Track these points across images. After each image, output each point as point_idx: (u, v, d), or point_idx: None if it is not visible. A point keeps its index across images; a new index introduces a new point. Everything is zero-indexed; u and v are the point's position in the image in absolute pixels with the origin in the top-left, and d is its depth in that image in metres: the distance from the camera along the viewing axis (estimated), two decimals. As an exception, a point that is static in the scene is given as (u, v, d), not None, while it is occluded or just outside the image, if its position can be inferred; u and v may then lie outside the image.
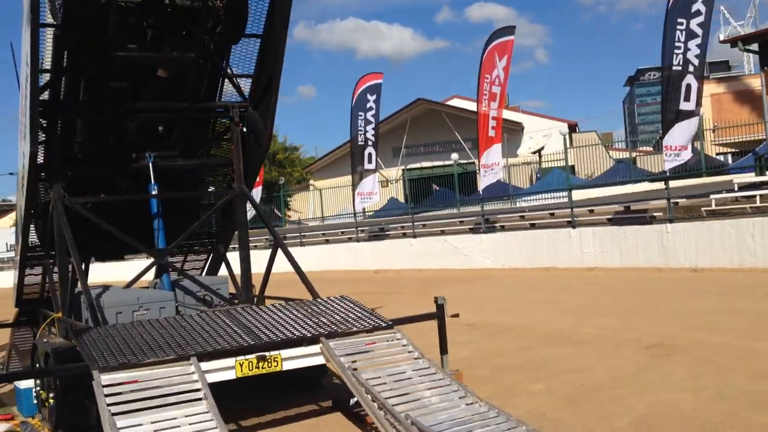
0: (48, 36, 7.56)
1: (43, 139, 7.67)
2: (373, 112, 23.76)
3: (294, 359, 6.17)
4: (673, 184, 16.22)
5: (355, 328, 6.52)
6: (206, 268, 10.35)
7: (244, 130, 8.89)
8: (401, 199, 32.91)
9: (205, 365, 5.72)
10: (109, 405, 5.02)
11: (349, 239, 25.08)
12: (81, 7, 7.13)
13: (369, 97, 23.74)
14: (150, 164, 8.26)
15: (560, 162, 23.34)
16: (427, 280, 18.43)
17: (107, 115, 8.13)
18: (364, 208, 25.59)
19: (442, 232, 22.30)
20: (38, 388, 6.76)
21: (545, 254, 17.94)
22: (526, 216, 21.61)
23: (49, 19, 7.41)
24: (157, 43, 7.92)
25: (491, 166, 19.47)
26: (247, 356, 5.91)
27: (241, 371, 5.89)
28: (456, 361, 8.18)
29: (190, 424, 5.00)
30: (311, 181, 40.97)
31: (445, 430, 5.13)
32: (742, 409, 5.72)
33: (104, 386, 5.17)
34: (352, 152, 24.25)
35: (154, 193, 8.30)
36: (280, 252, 8.28)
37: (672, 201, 15.77)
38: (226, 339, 6.00)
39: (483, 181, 19.74)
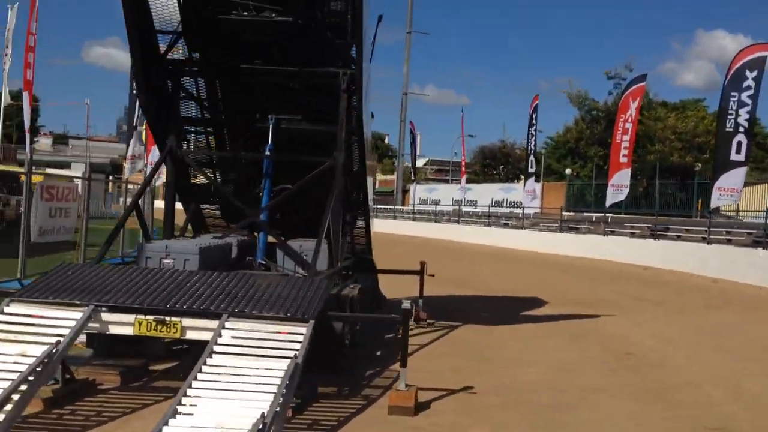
0: None
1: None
2: (751, 92, 19.77)
3: (197, 330, 6.13)
4: None
5: (271, 314, 6.16)
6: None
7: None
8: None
9: (106, 316, 6.20)
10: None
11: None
12: None
13: (748, 73, 19.77)
14: (270, 126, 8.90)
15: None
16: (684, 291, 15.43)
17: (219, 73, 9.05)
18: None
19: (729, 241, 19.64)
20: None
21: None
22: None
23: None
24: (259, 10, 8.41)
25: None
26: (147, 316, 6.15)
27: (139, 330, 6.14)
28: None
29: (15, 362, 5.47)
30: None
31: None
32: None
33: (6, 313, 6.05)
34: (717, 138, 20.68)
35: (267, 153, 8.92)
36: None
37: None
38: (134, 296, 6.31)
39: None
